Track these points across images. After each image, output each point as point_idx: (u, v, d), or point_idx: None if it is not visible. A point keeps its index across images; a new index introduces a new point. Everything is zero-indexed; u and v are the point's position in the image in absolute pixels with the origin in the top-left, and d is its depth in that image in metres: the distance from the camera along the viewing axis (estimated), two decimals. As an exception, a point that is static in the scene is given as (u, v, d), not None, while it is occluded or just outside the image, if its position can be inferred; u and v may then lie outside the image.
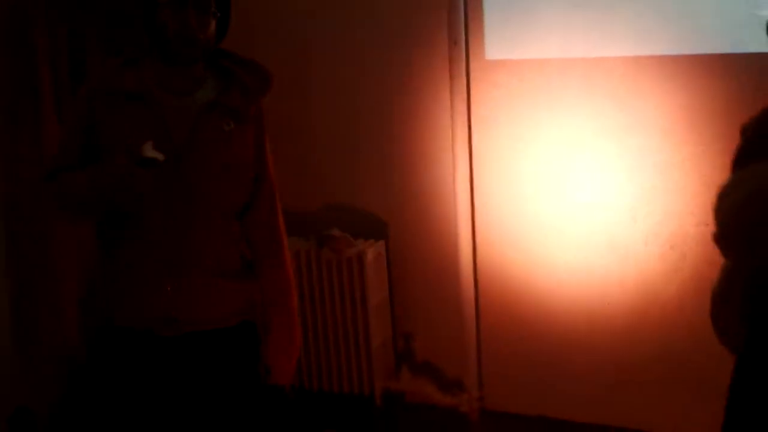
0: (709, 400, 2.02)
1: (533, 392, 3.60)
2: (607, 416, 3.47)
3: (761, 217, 1.63)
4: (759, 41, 2.08)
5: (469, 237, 3.60)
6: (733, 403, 1.80)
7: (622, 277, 3.39)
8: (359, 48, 3.72)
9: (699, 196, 3.20)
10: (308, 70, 3.84)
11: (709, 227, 1.75)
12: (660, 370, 3.36)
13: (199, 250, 2.42)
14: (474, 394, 3.67)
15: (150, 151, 2.21)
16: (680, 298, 3.29)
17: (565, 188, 3.44)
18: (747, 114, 1.82)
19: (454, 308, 3.65)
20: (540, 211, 3.48)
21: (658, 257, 3.34)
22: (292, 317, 2.62)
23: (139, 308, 2.42)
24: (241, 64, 2.49)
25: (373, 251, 3.66)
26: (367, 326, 3.64)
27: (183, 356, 2.45)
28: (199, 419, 2.47)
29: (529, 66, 3.45)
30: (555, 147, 3.43)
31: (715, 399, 1.88)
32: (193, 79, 2.41)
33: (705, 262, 3.12)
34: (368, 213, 3.80)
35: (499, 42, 3.49)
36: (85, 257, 3.59)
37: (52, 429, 3.59)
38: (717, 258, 1.79)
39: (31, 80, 3.49)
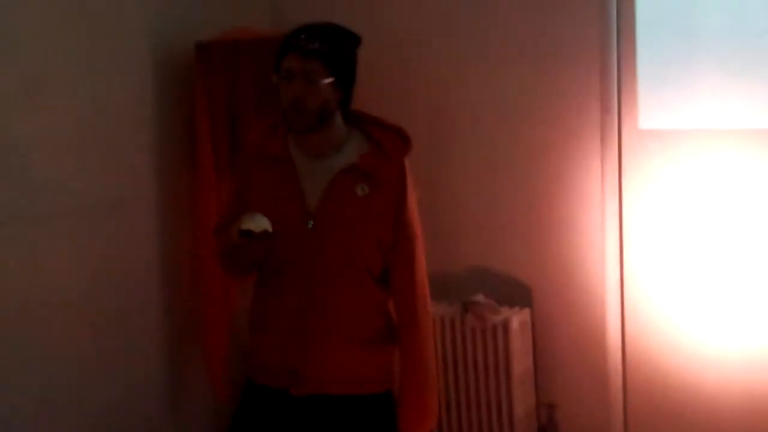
0: None
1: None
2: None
3: None
4: None
5: (618, 309, 3.53)
6: None
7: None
8: (508, 111, 3.72)
9: None
10: (453, 133, 3.86)
11: None
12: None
13: (330, 312, 2.44)
14: (618, 469, 3.57)
15: (247, 224, 2.32)
16: None
17: (722, 266, 3.32)
18: None
19: (600, 381, 3.57)
20: (693, 287, 3.37)
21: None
22: (421, 391, 2.54)
23: (270, 364, 2.49)
24: (383, 127, 2.51)
25: (517, 319, 3.61)
26: (510, 395, 3.59)
27: (316, 419, 2.47)
28: None
29: (684, 136, 3.38)
30: (711, 221, 3.33)
31: None
32: (329, 143, 2.45)
33: None
34: (513, 279, 3.77)
35: (653, 111, 3.43)
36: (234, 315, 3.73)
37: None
38: None
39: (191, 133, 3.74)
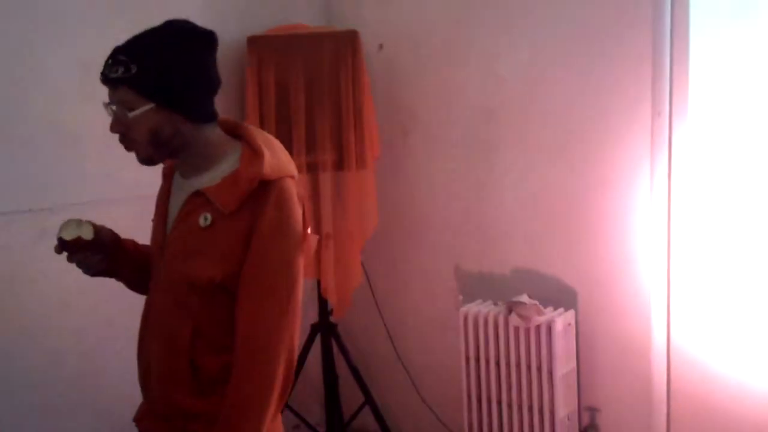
0: None
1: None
2: None
3: None
4: None
5: (664, 313, 3.49)
6: None
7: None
8: (554, 112, 3.70)
9: None
10: (499, 133, 3.85)
11: None
12: None
13: (159, 335, 2.24)
14: (660, 475, 3.53)
15: (61, 230, 2.21)
16: None
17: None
18: None
19: (643, 385, 3.54)
20: (743, 292, 3.32)
21: None
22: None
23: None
24: (250, 145, 2.18)
25: (562, 320, 3.60)
26: (552, 397, 3.57)
27: None
28: None
29: (735, 139, 3.32)
30: (761, 226, 3.28)
31: None
32: (195, 164, 2.20)
33: None
34: (558, 280, 3.75)
35: (704, 114, 3.38)
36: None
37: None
38: None
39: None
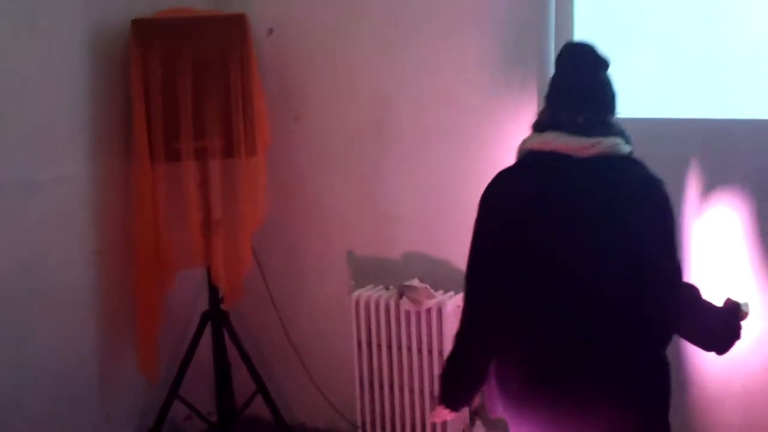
0: None
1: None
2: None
3: None
4: None
5: (551, 294, 3.56)
6: None
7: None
8: (445, 100, 3.74)
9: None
10: (390, 120, 3.87)
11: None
12: None
13: None
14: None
15: None
16: None
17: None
18: None
19: (531, 365, 3.60)
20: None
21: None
22: None
23: None
24: None
25: (452, 303, 3.64)
26: (443, 379, 3.62)
27: None
28: None
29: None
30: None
31: None
32: None
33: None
34: (448, 264, 3.79)
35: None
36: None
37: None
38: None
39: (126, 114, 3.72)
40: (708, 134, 3.24)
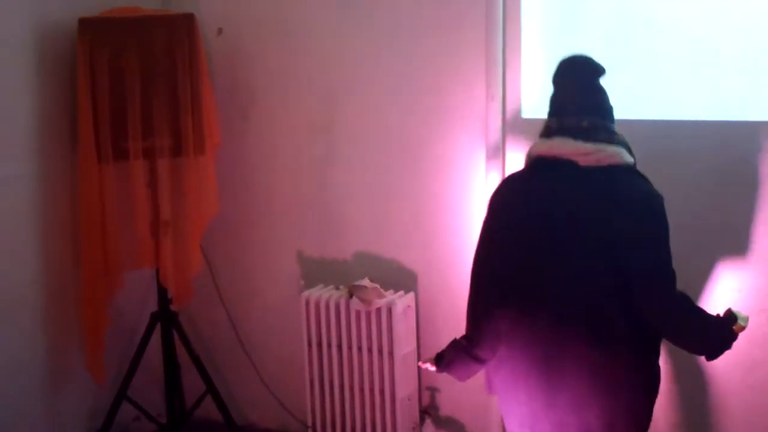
0: None
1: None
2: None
3: None
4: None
5: (499, 293, 3.59)
6: None
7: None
8: (395, 96, 3.75)
9: None
10: (339, 119, 3.88)
11: None
12: None
13: None
14: (497, 450, 3.65)
15: None
16: None
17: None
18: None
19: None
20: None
21: None
22: None
23: None
24: None
25: (402, 303, 3.66)
26: (393, 378, 3.64)
27: None
28: None
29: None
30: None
31: None
32: None
33: None
34: (398, 263, 3.81)
35: (537, 101, 3.50)
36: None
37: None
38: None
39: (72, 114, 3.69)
40: (647, 136, 3.28)
